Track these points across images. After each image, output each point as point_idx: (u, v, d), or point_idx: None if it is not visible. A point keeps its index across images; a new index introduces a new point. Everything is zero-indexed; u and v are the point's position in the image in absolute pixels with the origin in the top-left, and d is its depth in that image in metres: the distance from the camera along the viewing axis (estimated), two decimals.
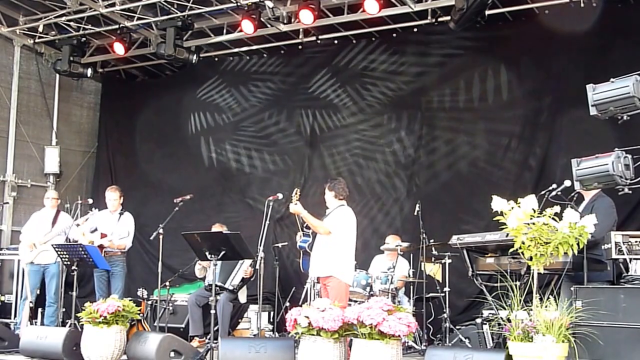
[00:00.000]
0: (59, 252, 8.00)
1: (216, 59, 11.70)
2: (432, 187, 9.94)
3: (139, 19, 10.51)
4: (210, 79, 11.75)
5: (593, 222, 5.08)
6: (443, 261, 8.21)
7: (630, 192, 5.27)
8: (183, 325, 9.02)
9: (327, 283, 6.87)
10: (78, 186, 12.23)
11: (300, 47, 10.97)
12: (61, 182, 11.97)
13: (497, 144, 9.65)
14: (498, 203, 5.15)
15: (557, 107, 9.19)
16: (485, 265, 6.38)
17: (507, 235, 5.34)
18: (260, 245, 8.07)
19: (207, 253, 6.86)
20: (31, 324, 8.59)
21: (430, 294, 8.52)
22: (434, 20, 9.76)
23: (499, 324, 5.40)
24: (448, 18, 9.25)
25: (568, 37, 8.92)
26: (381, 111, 10.46)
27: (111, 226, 8.62)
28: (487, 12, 8.95)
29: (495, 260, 6.22)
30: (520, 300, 5.08)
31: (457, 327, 8.02)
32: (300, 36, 10.79)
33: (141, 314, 7.71)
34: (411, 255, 8.89)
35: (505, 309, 5.25)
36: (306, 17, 9.41)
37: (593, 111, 5.36)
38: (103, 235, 8.44)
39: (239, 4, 9.80)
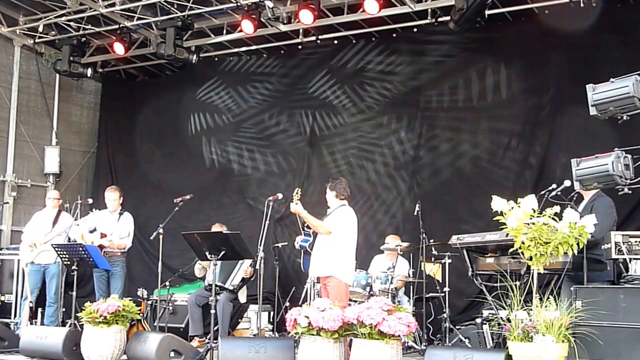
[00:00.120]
0: (58, 252, 8.00)
1: (216, 59, 11.70)
2: (432, 187, 9.94)
3: (139, 19, 10.52)
4: (210, 79, 11.75)
5: (593, 222, 5.08)
6: (443, 261, 8.21)
7: (630, 192, 5.27)
8: (183, 325, 9.02)
9: (327, 283, 6.86)
10: (78, 186, 12.23)
11: (300, 47, 10.97)
12: (61, 182, 11.97)
13: (497, 143, 9.66)
14: (498, 203, 5.15)
15: (556, 107, 9.20)
16: (485, 265, 6.38)
17: (507, 235, 5.34)
18: (260, 245, 8.07)
19: (207, 253, 6.87)
20: (31, 323, 8.59)
21: (430, 294, 8.52)
22: (433, 20, 9.75)
23: (499, 324, 5.40)
24: (448, 18, 9.26)
25: (568, 37, 8.93)
26: (381, 111, 10.46)
27: (111, 226, 8.62)
28: (487, 12, 8.97)
29: (495, 260, 6.22)
30: (520, 300, 5.08)
31: (457, 327, 8.02)
32: (300, 36, 10.80)
33: (141, 314, 7.71)
34: (411, 255, 8.89)
35: (505, 308, 5.25)
36: (306, 17, 9.41)
37: (593, 111, 5.36)
38: (103, 235, 8.44)
39: (239, 4, 9.80)
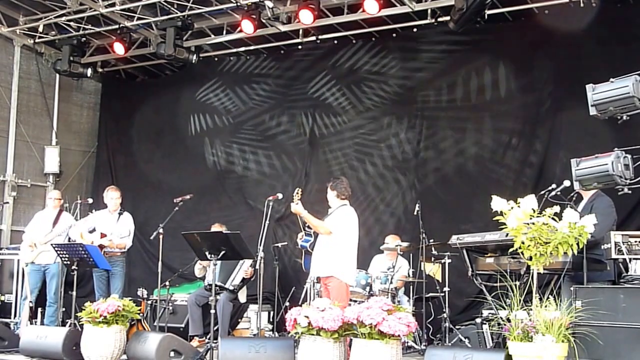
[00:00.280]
0: (58, 252, 8.00)
1: (216, 59, 11.71)
2: (432, 186, 9.95)
3: (139, 19, 10.52)
4: (209, 78, 11.76)
5: (593, 222, 5.08)
6: (443, 261, 8.21)
7: (629, 192, 5.27)
8: (183, 325, 9.02)
9: (327, 283, 6.86)
10: (78, 186, 12.23)
11: (300, 47, 10.98)
12: (61, 181, 11.97)
13: (496, 143, 9.66)
14: (497, 203, 5.15)
15: (556, 107, 9.20)
16: (485, 265, 6.38)
17: (507, 235, 5.34)
18: (260, 245, 8.07)
19: (207, 253, 6.87)
20: (31, 323, 8.59)
21: (430, 294, 8.53)
22: (433, 20, 9.75)
23: (499, 324, 5.40)
24: (448, 18, 9.26)
25: (568, 36, 8.93)
26: (381, 110, 10.46)
27: (110, 226, 8.62)
28: (487, 12, 8.97)
29: (495, 260, 6.22)
30: (520, 300, 5.08)
31: (457, 327, 8.02)
32: (300, 36, 10.80)
33: (141, 314, 7.71)
34: (411, 255, 8.89)
35: (505, 308, 5.25)
36: (306, 17, 9.41)
37: (593, 111, 5.37)
38: (103, 235, 8.43)
39: (238, 4, 9.80)
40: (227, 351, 6.46)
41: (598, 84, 5.34)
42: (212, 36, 10.99)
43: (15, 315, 9.48)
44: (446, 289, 8.03)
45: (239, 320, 9.07)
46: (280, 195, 8.23)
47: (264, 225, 8.00)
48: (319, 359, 5.70)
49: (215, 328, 7.64)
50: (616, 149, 5.25)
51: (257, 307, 8.46)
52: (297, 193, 7.17)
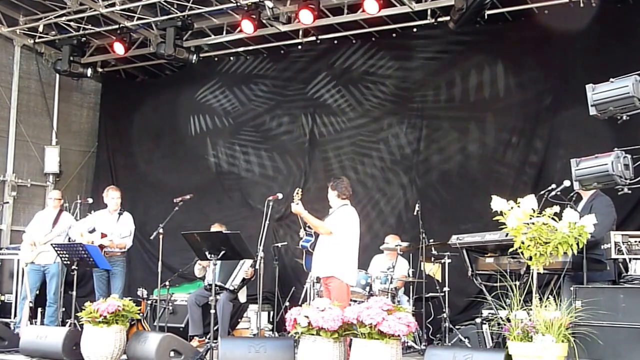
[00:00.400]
0: (58, 252, 8.00)
1: (216, 59, 11.71)
2: (432, 186, 9.95)
3: (139, 19, 10.52)
4: (209, 79, 11.76)
5: (593, 222, 5.08)
6: (442, 261, 8.21)
7: (629, 192, 5.27)
8: (183, 325, 9.02)
9: (328, 283, 6.85)
10: (78, 186, 12.23)
11: (299, 47, 10.99)
12: (61, 181, 11.98)
13: (496, 144, 9.67)
14: (497, 203, 5.15)
15: (556, 107, 9.20)
16: (485, 265, 6.38)
17: (507, 235, 5.34)
18: (260, 245, 8.07)
19: (206, 253, 6.87)
20: (31, 323, 8.59)
21: (430, 294, 8.53)
22: (433, 20, 9.76)
23: (499, 324, 5.40)
24: (447, 18, 9.27)
25: (567, 37, 8.94)
26: (381, 110, 10.47)
27: (111, 226, 8.61)
28: (487, 12, 8.97)
29: (495, 260, 6.22)
30: (519, 300, 5.08)
31: (457, 326, 8.02)
32: (300, 36, 10.80)
33: (141, 314, 7.72)
34: (410, 255, 8.89)
35: (504, 308, 5.25)
36: (306, 17, 9.42)
37: (593, 111, 5.37)
38: (103, 235, 8.43)
39: (238, 4, 9.80)
40: (227, 351, 6.46)
41: (598, 84, 5.34)
42: (212, 36, 10.99)
43: (15, 315, 9.48)
44: (446, 289, 8.03)
45: (239, 320, 9.07)
46: (280, 195, 8.23)
47: (264, 225, 8.00)
48: (318, 359, 5.70)
49: (215, 328, 7.63)
50: (616, 149, 5.25)
51: (257, 307, 8.47)
52: (297, 193, 7.15)
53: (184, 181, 11.09)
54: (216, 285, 7.22)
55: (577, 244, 5.06)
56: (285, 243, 9.98)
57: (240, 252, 7.01)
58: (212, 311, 6.90)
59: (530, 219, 5.04)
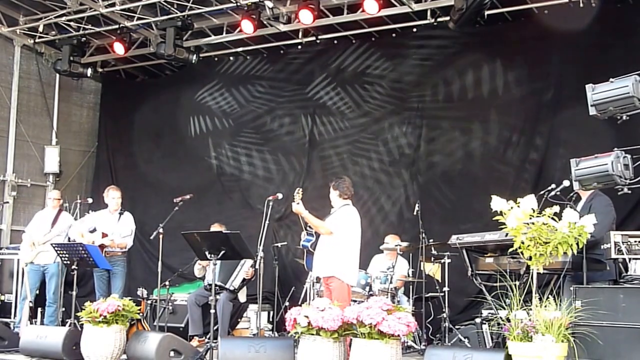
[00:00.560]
0: (58, 252, 8.00)
1: (216, 59, 11.71)
2: (432, 186, 9.95)
3: (139, 19, 10.53)
4: (209, 79, 11.76)
5: (592, 222, 5.08)
6: (442, 261, 8.21)
7: (629, 192, 5.27)
8: (183, 325, 9.02)
9: (329, 283, 6.84)
10: (78, 186, 12.24)
11: (299, 47, 10.99)
12: (61, 181, 11.98)
13: (496, 143, 9.67)
14: (497, 203, 5.15)
15: (556, 107, 9.20)
16: (485, 265, 6.38)
17: (507, 235, 5.34)
18: (260, 245, 8.07)
19: (206, 252, 6.87)
20: (31, 323, 8.59)
21: (430, 294, 8.52)
22: (433, 20, 9.77)
23: (499, 324, 5.40)
24: (447, 18, 9.27)
25: (567, 37, 8.94)
26: (380, 110, 10.47)
27: (111, 226, 8.61)
28: (487, 12, 8.97)
29: (495, 260, 6.22)
30: (519, 300, 5.08)
31: (457, 326, 8.01)
32: (300, 36, 10.80)
33: (141, 314, 7.71)
34: (410, 254, 8.89)
35: (504, 308, 5.25)
36: (306, 17, 9.42)
37: (592, 111, 5.36)
38: (104, 235, 8.43)
39: (238, 4, 9.81)
40: (226, 351, 6.46)
41: (598, 84, 5.34)
42: (212, 36, 10.99)
43: (15, 315, 9.48)
44: (446, 288, 8.03)
45: (239, 320, 9.07)
46: (280, 195, 8.22)
47: (264, 225, 8.00)
48: (318, 358, 5.70)
49: (215, 328, 7.63)
50: (616, 148, 5.25)
51: (257, 307, 8.47)
52: (298, 193, 7.13)
53: (184, 181, 11.09)
54: (216, 285, 7.22)
55: (577, 244, 5.06)
56: (285, 243, 9.98)
57: (240, 252, 7.01)
58: (212, 311, 6.90)
59: (530, 219, 5.04)
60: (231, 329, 8.76)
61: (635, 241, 5.49)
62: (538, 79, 9.45)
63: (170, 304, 9.05)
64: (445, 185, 9.89)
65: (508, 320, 5.08)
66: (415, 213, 8.49)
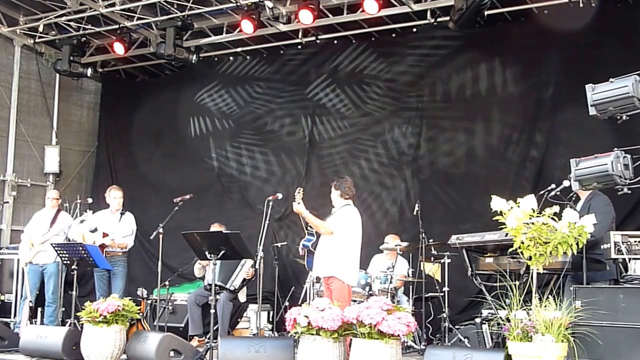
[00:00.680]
0: (58, 252, 8.00)
1: (216, 59, 11.71)
2: (432, 186, 9.95)
3: (139, 19, 10.53)
4: (209, 79, 11.77)
5: (592, 222, 5.08)
6: (442, 261, 8.21)
7: (629, 192, 5.27)
8: (182, 325, 9.02)
9: (329, 284, 6.84)
10: (78, 186, 12.25)
11: (299, 47, 10.99)
12: (61, 181, 11.99)
13: (496, 143, 9.68)
14: (497, 203, 5.15)
15: (556, 107, 9.20)
16: (485, 265, 6.38)
17: (507, 235, 5.34)
18: (260, 245, 8.07)
19: (206, 252, 6.87)
20: (31, 323, 8.59)
21: (430, 294, 8.53)
22: (433, 20, 9.77)
23: (498, 324, 5.41)
24: (447, 18, 9.27)
25: (567, 37, 8.94)
26: (380, 110, 10.47)
27: (112, 226, 8.61)
28: (486, 12, 8.97)
29: (495, 260, 6.22)
30: (519, 300, 5.08)
31: (457, 326, 8.01)
32: (300, 36, 10.80)
33: (141, 314, 7.71)
34: (410, 254, 8.89)
35: (504, 308, 5.25)
36: (306, 17, 9.42)
37: (592, 111, 5.36)
38: (105, 235, 8.43)
39: (238, 4, 9.81)
40: (226, 351, 6.46)
41: (598, 84, 5.33)
42: (212, 36, 10.99)
43: (15, 315, 9.48)
44: (446, 288, 8.03)
45: (239, 320, 9.07)
46: (280, 195, 8.21)
47: (264, 225, 8.00)
48: (318, 358, 5.71)
49: (215, 328, 7.63)
50: (616, 148, 5.25)
51: (257, 307, 8.46)
52: (299, 192, 7.10)
53: (184, 181, 11.10)
54: (216, 285, 7.22)
55: (577, 244, 5.06)
56: (285, 243, 9.98)
57: (240, 251, 7.01)
58: (212, 311, 6.90)
59: (530, 218, 5.04)
60: (231, 329, 8.76)
61: (635, 241, 5.48)
62: (538, 78, 9.45)
63: (170, 304, 9.05)
64: (445, 185, 9.89)
65: (508, 320, 5.08)
66: (415, 213, 8.49)
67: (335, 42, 10.79)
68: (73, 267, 7.75)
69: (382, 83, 10.46)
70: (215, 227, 8.90)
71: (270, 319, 9.64)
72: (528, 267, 5.28)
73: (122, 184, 10.35)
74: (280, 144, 11.18)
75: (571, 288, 5.31)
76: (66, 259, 7.89)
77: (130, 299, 7.25)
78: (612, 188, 5.35)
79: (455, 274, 8.11)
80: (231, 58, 11.65)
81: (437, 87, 10.14)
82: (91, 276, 8.90)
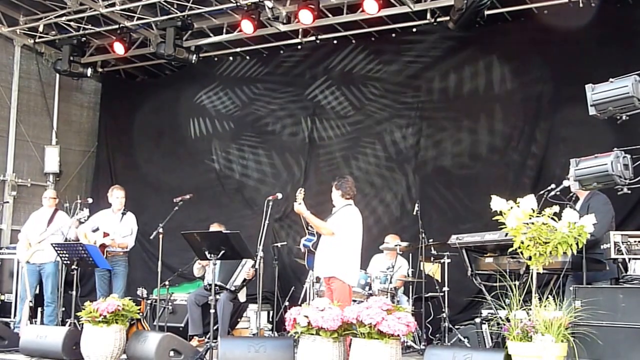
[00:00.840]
0: (58, 252, 8.00)
1: (216, 59, 11.72)
2: (432, 186, 9.96)
3: (139, 19, 10.53)
4: (209, 79, 11.77)
5: (592, 222, 5.08)
6: (442, 261, 8.21)
7: (629, 192, 5.27)
8: (182, 325, 9.02)
9: (330, 284, 6.84)
10: (78, 186, 12.26)
11: (299, 47, 10.99)
12: (61, 181, 12.00)
13: (496, 143, 9.68)
14: (497, 203, 5.15)
15: (555, 107, 9.21)
16: (485, 265, 6.38)
17: (506, 235, 5.34)
18: (259, 245, 8.07)
19: (206, 252, 6.87)
20: (31, 323, 8.59)
21: (430, 294, 8.52)
22: (433, 20, 9.78)
23: (498, 324, 5.41)
24: (447, 18, 9.28)
25: (567, 37, 8.95)
26: (380, 110, 10.47)
27: (114, 225, 8.61)
28: (486, 12, 8.97)
29: (495, 260, 6.22)
30: (519, 300, 5.08)
31: (456, 326, 8.01)
32: (300, 36, 10.81)
33: (141, 313, 7.71)
34: (410, 254, 8.89)
35: (504, 308, 5.25)
36: (305, 17, 9.42)
37: (592, 111, 5.36)
38: (105, 235, 8.44)
39: (238, 4, 9.81)
40: (226, 351, 6.46)
41: (597, 84, 5.33)
42: (212, 36, 10.99)
43: (15, 315, 9.48)
44: (445, 288, 8.03)
45: (239, 319, 9.07)
46: (280, 195, 8.21)
47: (264, 225, 8.00)
48: (318, 358, 5.71)
49: (215, 328, 7.63)
50: (615, 148, 5.25)
51: (257, 307, 8.46)
52: (300, 193, 7.08)
53: (184, 181, 11.10)
54: (216, 285, 7.22)
55: (577, 244, 5.06)
56: (285, 243, 9.98)
57: (240, 251, 7.01)
58: (212, 311, 6.90)
59: (530, 218, 5.04)
60: (231, 329, 8.76)
61: (635, 241, 5.48)
62: (538, 78, 9.45)
63: (170, 303, 9.05)
64: (445, 185, 9.90)
65: (508, 320, 5.08)
66: (415, 213, 8.49)
67: (335, 42, 10.79)
68: (73, 267, 7.75)
69: (382, 83, 10.47)
70: (214, 227, 8.89)
71: (270, 319, 9.64)
72: (528, 267, 5.28)
73: (122, 184, 10.32)
74: (280, 144, 11.18)
75: (571, 288, 5.31)
76: (66, 259, 7.89)
77: (130, 299, 7.25)
78: (612, 188, 5.36)
79: (455, 273, 8.11)
80: (231, 58, 11.66)
81: (437, 87, 10.15)
82: (91, 276, 8.90)
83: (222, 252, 6.81)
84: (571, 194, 6.18)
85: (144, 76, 12.88)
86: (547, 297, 5.00)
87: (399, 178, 10.22)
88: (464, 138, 9.88)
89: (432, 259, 8.49)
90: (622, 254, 5.45)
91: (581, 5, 8.90)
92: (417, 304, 8.50)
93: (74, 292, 7.75)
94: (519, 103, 9.58)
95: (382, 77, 10.47)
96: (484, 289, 6.67)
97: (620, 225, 6.94)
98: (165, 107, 12.03)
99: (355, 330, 5.66)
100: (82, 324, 7.05)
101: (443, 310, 7.98)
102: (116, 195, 8.81)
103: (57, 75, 11.83)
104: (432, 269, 8.61)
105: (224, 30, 10.84)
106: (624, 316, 4.96)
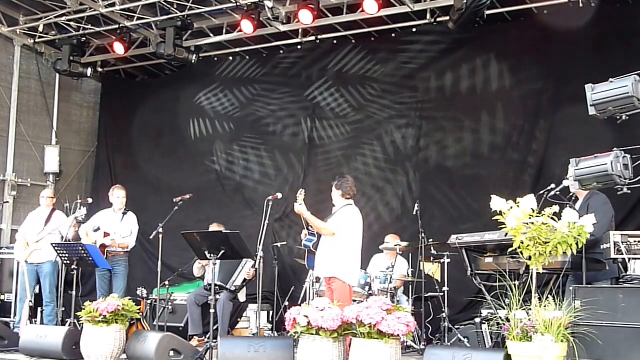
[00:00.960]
0: (58, 252, 8.00)
1: (215, 59, 11.72)
2: (431, 186, 9.96)
3: (139, 19, 10.53)
4: (209, 79, 11.77)
5: (592, 222, 5.08)
6: (442, 261, 8.21)
7: (629, 192, 5.27)
8: (182, 325, 9.02)
9: (331, 284, 6.84)
10: (78, 186, 12.26)
11: (299, 47, 10.99)
12: (61, 181, 12.00)
13: (496, 143, 9.68)
14: (497, 203, 5.15)
15: (555, 107, 9.21)
16: (485, 265, 6.38)
17: (506, 235, 5.34)
18: (259, 245, 8.07)
19: (206, 252, 6.87)
20: (31, 323, 8.59)
21: (429, 294, 8.52)
22: (433, 20, 9.78)
23: (498, 324, 5.40)
24: (447, 18, 9.28)
25: (567, 37, 8.95)
26: (380, 110, 10.47)
27: (114, 225, 8.61)
28: (486, 12, 8.97)
29: (495, 260, 6.22)
30: (519, 300, 5.08)
31: (456, 326, 8.01)
32: (300, 36, 10.81)
33: (141, 313, 7.71)
34: (410, 254, 8.89)
35: (504, 308, 5.25)
36: (305, 17, 9.43)
37: (592, 111, 5.36)
38: (106, 235, 8.43)
39: (238, 4, 9.81)
40: (226, 351, 6.46)
41: (597, 84, 5.33)
42: (212, 36, 10.99)
43: (15, 315, 9.48)
44: (445, 288, 8.03)
45: (239, 319, 9.07)
46: (279, 195, 8.20)
47: (264, 225, 8.00)
48: (318, 358, 5.71)
49: (215, 327, 7.63)
50: (615, 148, 5.25)
51: (257, 307, 8.46)
52: (301, 193, 7.07)
53: (184, 181, 11.11)
54: (216, 285, 7.21)
55: (577, 244, 5.06)
56: (285, 243, 9.98)
57: (240, 251, 7.01)
58: (212, 311, 6.90)
59: (530, 218, 5.04)
60: (231, 329, 8.76)
61: (635, 241, 5.48)
62: (537, 78, 9.46)
63: (170, 303, 9.06)
64: (445, 185, 9.90)
65: (508, 320, 5.08)
66: (415, 213, 8.49)
67: (335, 42, 10.79)
68: (73, 267, 7.75)
69: (381, 83, 10.47)
70: (214, 227, 8.89)
71: (270, 319, 9.65)
72: (528, 267, 5.28)
73: (122, 184, 10.31)
74: (280, 144, 11.19)
75: (571, 288, 5.31)
76: (66, 258, 7.89)
77: (130, 299, 7.25)
78: (612, 188, 5.36)
79: (455, 273, 8.11)
80: (231, 58, 11.67)
81: (435, 87, 10.15)
82: (92, 276, 8.90)
83: (222, 252, 6.81)
84: (571, 194, 6.18)
85: (144, 76, 12.89)
86: (547, 297, 5.00)
87: (399, 178, 10.22)
88: (464, 137, 9.88)
89: (432, 258, 8.49)
90: (622, 253, 5.45)
91: (581, 5, 8.91)
92: (417, 304, 8.50)
93: (74, 292, 7.76)
94: (519, 102, 9.58)
95: (382, 77, 10.48)
96: (483, 289, 6.67)
97: (620, 225, 6.94)
98: (165, 107, 12.03)
99: (355, 330, 5.66)
100: (82, 323, 7.05)
101: (443, 310, 7.98)
102: (117, 195, 8.81)
103: (57, 75, 11.84)
104: (432, 268, 8.61)
105: (224, 30, 10.84)
106: (624, 316, 4.96)
